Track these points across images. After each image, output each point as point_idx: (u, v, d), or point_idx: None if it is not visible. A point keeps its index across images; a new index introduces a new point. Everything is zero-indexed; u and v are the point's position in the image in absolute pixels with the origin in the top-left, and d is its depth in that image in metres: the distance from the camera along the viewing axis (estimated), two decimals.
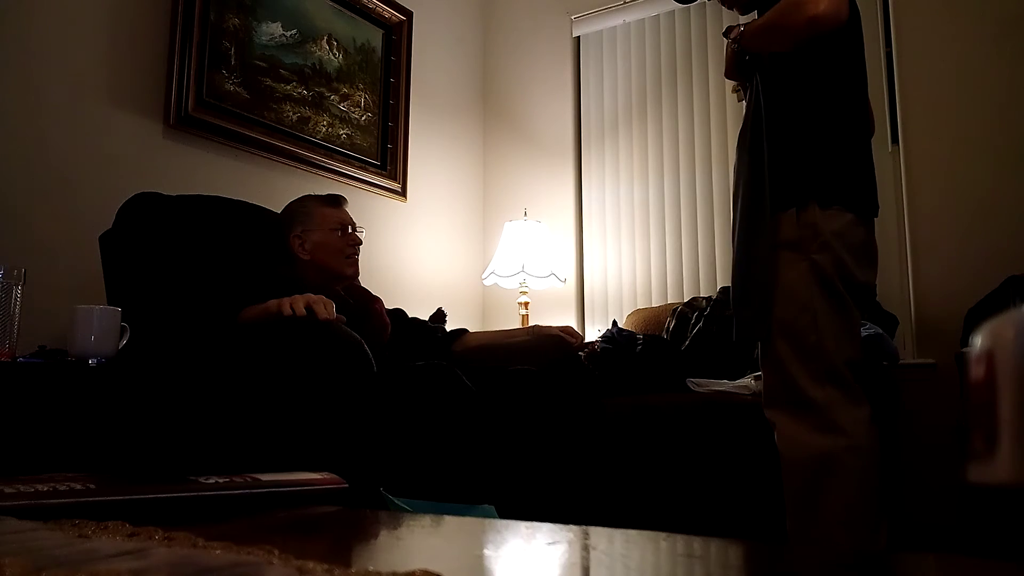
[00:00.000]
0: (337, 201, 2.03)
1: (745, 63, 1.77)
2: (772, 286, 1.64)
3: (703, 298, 2.80)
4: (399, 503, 0.97)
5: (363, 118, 3.03)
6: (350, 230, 1.98)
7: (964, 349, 2.04)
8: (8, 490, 0.56)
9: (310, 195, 2.07)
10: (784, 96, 1.68)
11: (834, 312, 1.61)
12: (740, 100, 1.88)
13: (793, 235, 1.63)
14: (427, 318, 2.21)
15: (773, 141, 1.67)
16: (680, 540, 0.52)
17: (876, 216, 1.73)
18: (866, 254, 1.69)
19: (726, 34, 1.81)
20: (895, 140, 2.75)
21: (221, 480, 0.67)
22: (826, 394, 1.58)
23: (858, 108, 1.72)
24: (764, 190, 1.66)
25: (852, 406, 1.59)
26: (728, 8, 1.95)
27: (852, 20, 1.69)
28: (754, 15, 1.80)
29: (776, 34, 1.64)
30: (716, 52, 3.20)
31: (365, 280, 2.18)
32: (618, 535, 0.54)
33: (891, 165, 2.72)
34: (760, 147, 1.69)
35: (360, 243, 2.00)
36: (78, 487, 0.59)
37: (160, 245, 1.84)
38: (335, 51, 2.92)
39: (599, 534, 0.54)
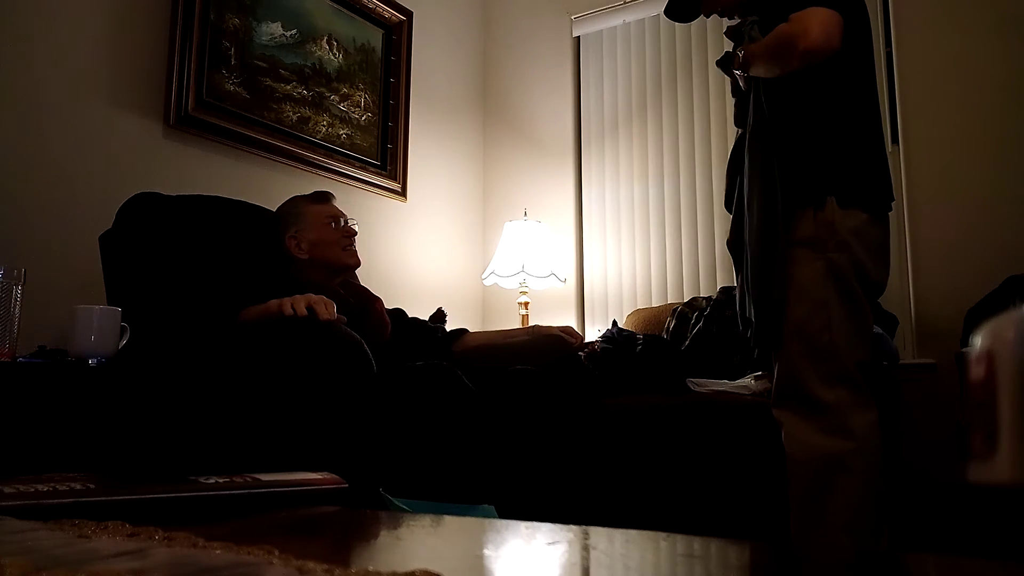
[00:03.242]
0: (325, 197, 2.04)
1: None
2: (786, 285, 1.62)
3: (703, 298, 2.80)
4: (399, 503, 0.97)
5: (363, 118, 3.03)
6: (343, 222, 1.99)
7: (964, 349, 2.04)
8: (8, 490, 0.56)
9: (297, 195, 2.07)
10: (798, 95, 1.66)
11: (849, 312, 1.59)
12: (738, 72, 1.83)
13: (809, 233, 1.61)
14: (427, 318, 2.21)
15: (788, 140, 1.66)
16: (680, 540, 0.52)
17: (891, 211, 1.71)
18: (881, 253, 1.67)
19: (723, 66, 1.80)
20: (895, 140, 2.75)
21: (221, 480, 0.67)
22: (836, 396, 1.57)
23: (870, 105, 1.71)
24: (776, 188, 1.64)
25: (861, 409, 1.57)
26: (724, 17, 1.92)
27: (861, 19, 1.69)
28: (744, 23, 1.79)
29: (774, 67, 1.64)
30: (716, 52, 3.20)
31: (365, 280, 2.18)
32: (618, 535, 0.54)
33: (891, 165, 2.72)
34: (772, 147, 1.67)
35: (355, 233, 2.00)
36: (78, 487, 0.59)
37: (160, 245, 1.84)
38: (335, 51, 2.92)
39: (599, 534, 0.54)
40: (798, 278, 1.61)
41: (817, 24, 1.51)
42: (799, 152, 1.64)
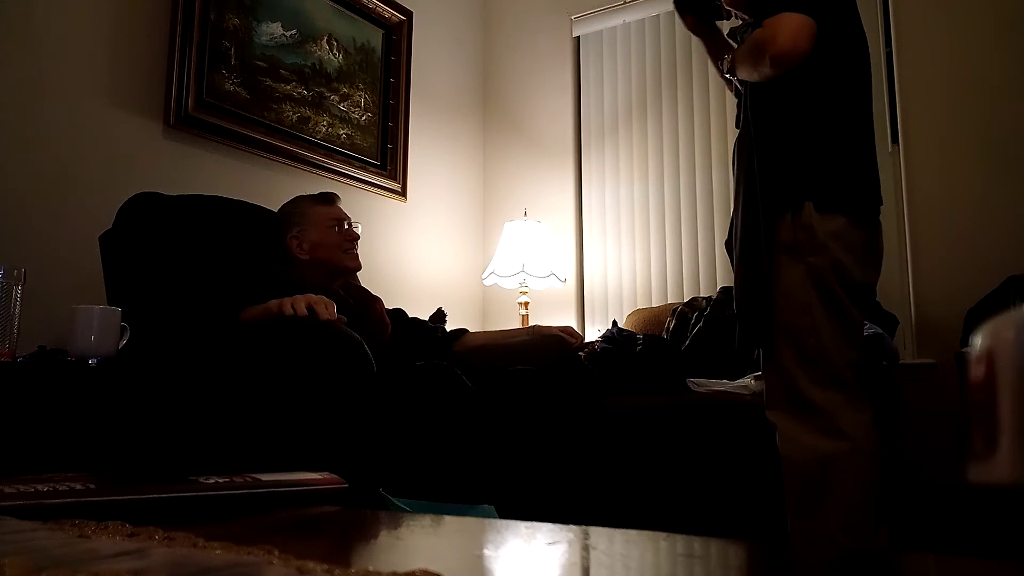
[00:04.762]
0: (330, 199, 2.04)
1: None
2: (771, 290, 1.64)
3: (703, 298, 2.79)
4: (399, 503, 0.97)
5: (363, 118, 3.03)
6: (346, 225, 1.98)
7: (964, 349, 2.04)
8: (8, 490, 0.56)
9: (302, 195, 2.07)
10: (777, 100, 1.69)
11: (833, 314, 1.61)
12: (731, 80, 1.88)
13: (789, 238, 1.63)
14: (427, 318, 2.21)
15: (768, 145, 1.68)
16: (680, 540, 0.52)
17: (877, 215, 1.72)
18: (868, 254, 1.68)
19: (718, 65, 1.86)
20: (895, 140, 2.75)
21: (221, 480, 0.67)
22: (828, 397, 1.58)
23: (856, 108, 1.71)
24: (756, 195, 1.67)
25: (854, 409, 1.59)
26: (728, 18, 1.95)
27: (845, 21, 1.69)
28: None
29: (752, 73, 1.68)
30: None
31: (365, 280, 2.18)
32: (618, 535, 0.54)
33: (891, 165, 2.72)
34: (754, 152, 1.70)
35: (357, 237, 2.00)
36: (78, 487, 0.59)
37: (160, 245, 1.84)
38: (335, 51, 2.92)
39: (599, 534, 0.54)
40: (782, 282, 1.64)
41: (785, 30, 1.53)
42: (778, 157, 1.67)
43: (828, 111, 1.66)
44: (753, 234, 1.67)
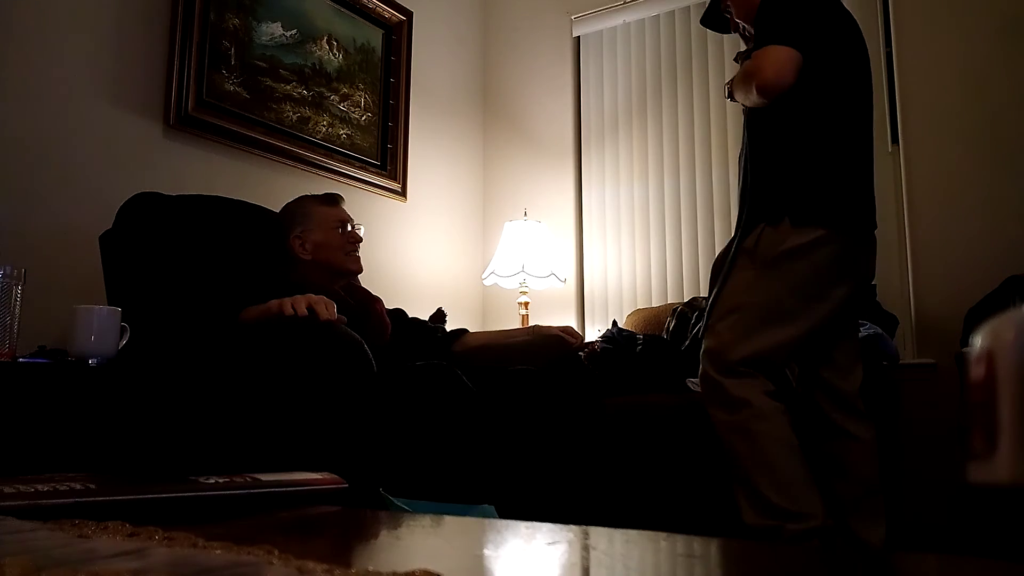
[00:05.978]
0: (335, 200, 2.03)
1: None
2: (721, 288, 1.81)
3: (703, 298, 2.79)
4: (399, 503, 0.97)
5: (363, 118, 3.03)
6: (349, 227, 1.98)
7: (964, 349, 2.04)
8: (8, 490, 0.56)
9: (307, 195, 2.07)
10: (769, 121, 1.80)
11: (763, 320, 1.74)
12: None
13: (751, 245, 1.77)
14: (427, 318, 2.21)
15: (757, 162, 1.81)
16: (680, 540, 0.52)
17: (867, 231, 1.83)
18: (844, 267, 1.78)
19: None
20: (895, 140, 2.75)
21: (221, 480, 0.67)
22: (723, 380, 1.76)
23: (844, 130, 1.81)
24: (745, 205, 1.82)
25: (750, 381, 1.74)
26: (734, 31, 2.04)
27: (838, 49, 1.79)
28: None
29: (745, 100, 1.82)
30: (716, 53, 3.20)
31: (365, 280, 2.18)
32: (618, 535, 0.54)
33: (891, 165, 2.72)
34: (748, 166, 1.85)
35: (360, 240, 2.00)
36: (78, 487, 0.59)
37: (160, 245, 1.84)
38: (335, 51, 2.92)
39: (599, 534, 0.54)
40: (729, 282, 1.80)
41: (770, 63, 1.66)
42: (765, 173, 1.80)
43: (815, 133, 1.77)
44: (732, 240, 1.84)
